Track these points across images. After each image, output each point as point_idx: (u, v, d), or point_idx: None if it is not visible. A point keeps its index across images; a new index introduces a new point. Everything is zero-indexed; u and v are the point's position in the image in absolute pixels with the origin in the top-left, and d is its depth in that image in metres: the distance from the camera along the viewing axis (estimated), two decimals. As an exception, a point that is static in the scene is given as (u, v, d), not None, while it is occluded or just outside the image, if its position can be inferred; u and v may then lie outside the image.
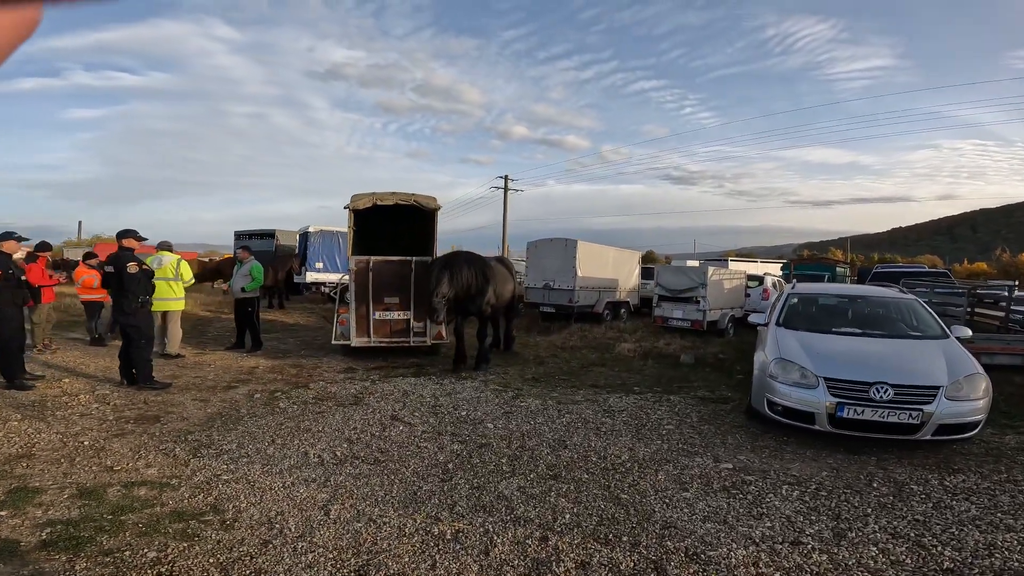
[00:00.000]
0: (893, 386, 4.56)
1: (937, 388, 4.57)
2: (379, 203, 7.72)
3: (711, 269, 11.49)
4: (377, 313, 7.84)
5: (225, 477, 3.90)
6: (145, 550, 2.91)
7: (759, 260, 23.12)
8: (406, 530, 3.22)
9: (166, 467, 4.05)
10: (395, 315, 7.90)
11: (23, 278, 6.13)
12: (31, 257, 7.92)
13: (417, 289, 7.80)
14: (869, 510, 3.55)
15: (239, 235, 18.76)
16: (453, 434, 4.91)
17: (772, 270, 17.81)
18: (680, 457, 4.41)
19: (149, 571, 2.73)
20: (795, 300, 6.84)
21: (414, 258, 7.81)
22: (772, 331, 5.91)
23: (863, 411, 4.57)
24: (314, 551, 2.98)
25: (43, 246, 8.25)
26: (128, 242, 6.20)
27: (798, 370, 4.95)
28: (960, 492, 3.88)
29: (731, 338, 11.10)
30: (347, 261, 7.89)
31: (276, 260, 14.93)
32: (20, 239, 6.13)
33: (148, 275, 6.29)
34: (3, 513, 3.21)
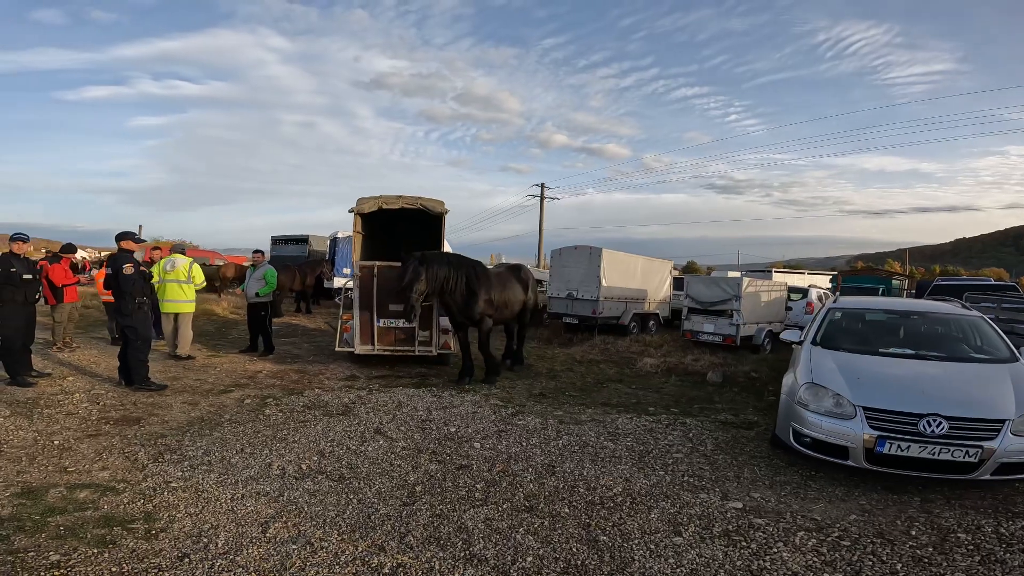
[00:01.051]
0: (948, 419, 3.85)
1: (1002, 422, 3.83)
2: (385, 207, 7.47)
3: (746, 280, 10.67)
4: (381, 320, 7.56)
5: (175, 484, 3.65)
6: (51, 553, 2.70)
7: (806, 272, 21.69)
8: (342, 558, 2.83)
9: (121, 471, 3.84)
10: (400, 323, 7.60)
11: (30, 277, 6.16)
12: (55, 258, 8.13)
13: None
14: (899, 566, 2.89)
15: (275, 240, 19.18)
16: (434, 452, 4.50)
17: (819, 282, 16.58)
18: (682, 492, 3.83)
19: (46, 571, 2.53)
20: (837, 315, 6.08)
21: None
22: (806, 350, 5.22)
23: (908, 447, 3.87)
24: (232, 570, 2.67)
25: (67, 248, 8.46)
26: (126, 244, 6.17)
27: (832, 397, 4.28)
28: (1018, 542, 3.16)
29: (767, 355, 10.22)
30: (352, 266, 7.66)
31: (304, 265, 15.06)
32: (24, 239, 6.20)
33: (145, 277, 6.23)
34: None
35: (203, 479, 3.77)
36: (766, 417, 5.94)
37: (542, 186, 27.94)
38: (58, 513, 3.12)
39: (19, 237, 6.11)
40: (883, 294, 13.50)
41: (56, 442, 4.33)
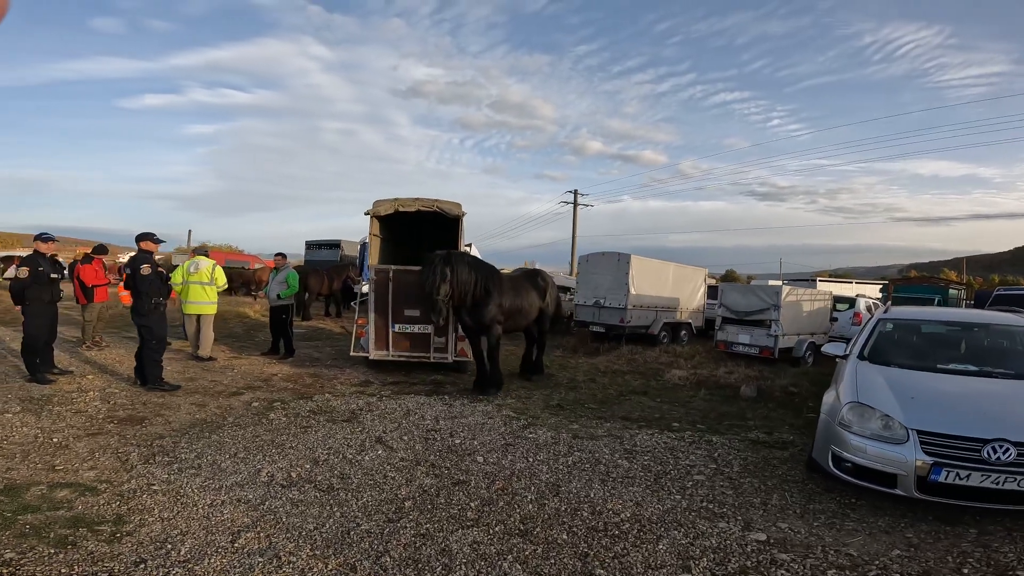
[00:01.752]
0: (1017, 445, 3.34)
1: (1080, 448, 3.27)
2: (401, 209, 7.32)
3: (786, 288, 10.00)
4: (397, 326, 7.39)
5: (156, 487, 3.52)
6: (7, 551, 2.60)
7: (854, 281, 20.45)
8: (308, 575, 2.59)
9: (108, 471, 3.75)
10: (415, 328, 7.41)
11: (56, 277, 6.29)
12: (87, 258, 8.35)
13: None
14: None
15: (309, 244, 19.54)
16: (432, 465, 4.23)
17: (868, 291, 15.53)
18: (698, 520, 3.41)
19: None
20: (888, 327, 5.51)
21: None
22: (851, 366, 4.70)
23: (969, 476, 3.36)
24: None
25: (99, 249, 8.70)
26: (146, 245, 6.22)
27: (880, 418, 3.78)
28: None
29: (809, 368, 9.51)
30: (368, 270, 7.53)
31: (331, 269, 15.17)
32: (47, 239, 6.33)
33: (162, 278, 6.25)
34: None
35: (187, 483, 3.63)
36: (803, 436, 5.40)
37: (575, 192, 27.59)
38: (30, 512, 3.02)
39: (45, 237, 6.24)
40: (939, 304, 12.47)
41: (55, 440, 4.30)
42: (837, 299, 11.96)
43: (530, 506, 3.54)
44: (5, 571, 2.38)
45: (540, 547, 3.00)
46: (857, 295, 13.26)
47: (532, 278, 7.82)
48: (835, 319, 11.39)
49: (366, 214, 7.42)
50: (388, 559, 2.80)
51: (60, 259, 7.00)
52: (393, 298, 7.30)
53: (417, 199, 7.36)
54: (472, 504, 3.53)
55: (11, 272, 5.92)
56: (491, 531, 3.16)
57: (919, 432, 3.56)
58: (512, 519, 3.34)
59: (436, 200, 7.36)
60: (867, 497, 3.76)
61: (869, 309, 11.79)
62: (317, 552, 2.84)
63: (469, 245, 12.53)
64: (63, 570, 2.44)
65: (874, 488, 3.62)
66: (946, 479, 3.38)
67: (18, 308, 6.05)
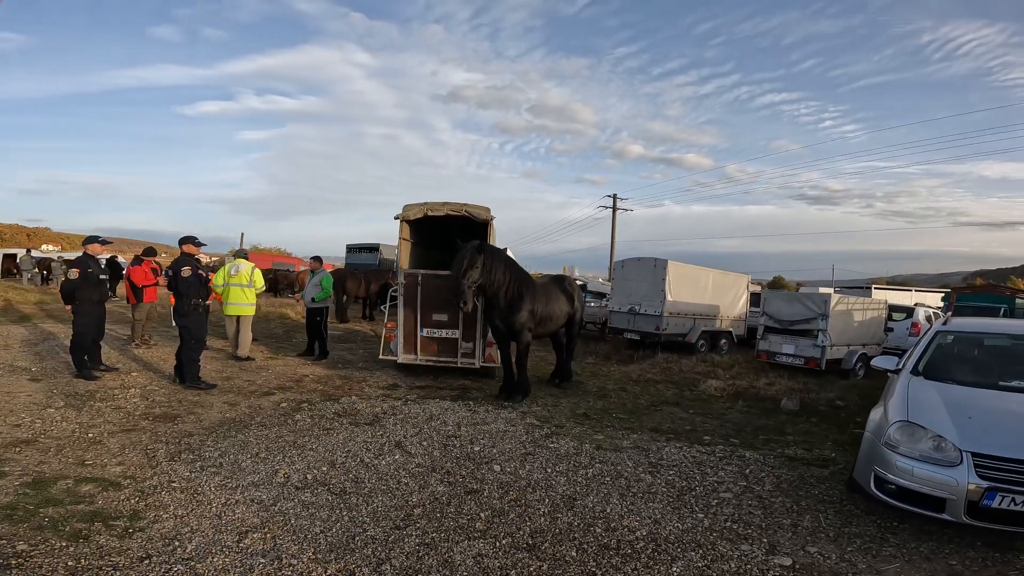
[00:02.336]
0: None
1: None
2: (430, 213, 7.35)
3: (835, 297, 9.45)
4: (425, 330, 7.40)
5: (176, 484, 3.61)
6: (21, 543, 2.71)
7: (913, 289, 19.14)
8: (305, 582, 2.56)
9: (134, 467, 3.87)
10: (443, 333, 7.40)
11: (105, 277, 6.64)
12: (136, 260, 8.80)
13: None
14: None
15: (350, 248, 20.04)
16: (448, 472, 4.17)
17: (929, 300, 14.50)
18: (720, 541, 3.20)
19: (6, 560, 2.54)
20: (947, 339, 5.12)
21: None
22: (903, 381, 4.37)
23: (1025, 501, 3.03)
24: None
25: (148, 251, 9.16)
26: (188, 248, 6.47)
27: (932, 439, 3.48)
28: None
29: (859, 381, 8.94)
30: (398, 274, 7.59)
31: (369, 272, 15.47)
32: (103, 242, 6.69)
33: (201, 280, 6.49)
34: (-56, 496, 3.16)
35: (206, 481, 3.70)
36: (846, 454, 5.04)
37: (614, 197, 27.18)
38: (52, 505, 3.14)
39: (96, 240, 6.60)
40: (1005, 315, 11.47)
41: (90, 435, 4.49)
42: (893, 308, 11.20)
43: (542, 519, 3.42)
44: (14, 562, 2.47)
45: (546, 563, 2.87)
46: (915, 304, 12.39)
47: (560, 284, 7.70)
48: (890, 329, 10.66)
49: (396, 218, 7.49)
50: (388, 567, 2.75)
51: (120, 259, 7.43)
52: (421, 302, 7.33)
53: (446, 203, 7.37)
54: (482, 514, 3.44)
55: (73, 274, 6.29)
56: (498, 544, 3.06)
57: (974, 455, 3.29)
58: (521, 532, 3.22)
59: (465, 204, 7.35)
60: (911, 520, 3.46)
61: (929, 319, 11.00)
62: (319, 556, 2.82)
63: (504, 249, 12.49)
64: (70, 563, 2.52)
65: (919, 512, 3.33)
66: (1000, 504, 3.09)
67: (68, 307, 6.41)
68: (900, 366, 4.74)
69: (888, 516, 3.58)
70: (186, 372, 6.34)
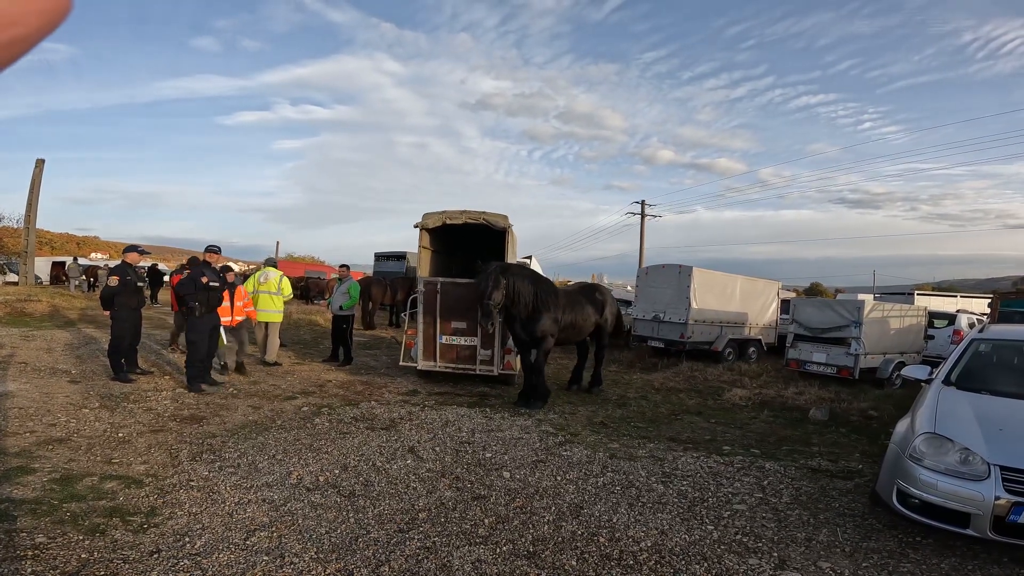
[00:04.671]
0: None
1: None
2: (449, 222, 7.44)
3: (869, 303, 9.09)
4: (444, 337, 7.48)
5: (194, 483, 3.74)
6: (40, 535, 2.84)
7: (959, 295, 18.17)
8: (304, 580, 2.62)
9: (157, 466, 4.03)
10: (462, 340, 7.47)
11: (141, 285, 6.97)
12: (180, 268, 9.20)
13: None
14: None
15: (378, 256, 20.42)
16: (457, 478, 4.19)
17: (974, 306, 13.77)
18: (727, 554, 3.11)
19: (24, 551, 2.66)
20: (983, 348, 4.89)
21: None
22: (934, 391, 4.20)
23: (1059, 518, 2.86)
24: (191, 572, 2.64)
25: (192, 261, 9.55)
26: (208, 256, 6.74)
27: (959, 452, 3.35)
28: None
29: (895, 391, 8.54)
30: (418, 281, 7.71)
31: (396, 280, 15.72)
32: (142, 252, 7.02)
33: (208, 288, 6.61)
34: (-21, 489, 3.36)
35: (223, 481, 3.82)
36: (874, 466, 4.83)
37: (642, 203, 26.87)
38: (76, 500, 3.30)
39: (134, 249, 6.95)
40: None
41: (120, 435, 4.70)
42: (933, 315, 10.68)
43: (546, 527, 3.40)
44: (30, 553, 2.60)
45: (545, 572, 2.85)
46: (958, 311, 11.78)
47: (589, 293, 7.69)
48: (931, 337, 10.17)
49: (416, 227, 7.61)
50: (387, 569, 2.78)
51: (161, 267, 7.79)
52: (441, 310, 7.41)
53: (464, 212, 7.46)
54: (486, 520, 3.44)
55: (113, 281, 6.63)
56: (498, 550, 3.06)
57: (1003, 468, 3.16)
58: (523, 539, 3.21)
59: (483, 213, 7.41)
60: (935, 535, 3.29)
61: (972, 326, 10.44)
62: (320, 555, 2.87)
63: (529, 258, 12.52)
64: (83, 555, 2.64)
65: (943, 527, 3.18)
66: (1028, 520, 2.91)
67: (107, 313, 6.75)
68: (932, 375, 4.55)
69: (910, 530, 3.42)
70: (187, 374, 6.55)
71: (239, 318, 7.52)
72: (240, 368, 7.74)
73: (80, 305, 14.89)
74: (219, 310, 6.66)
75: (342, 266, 9.85)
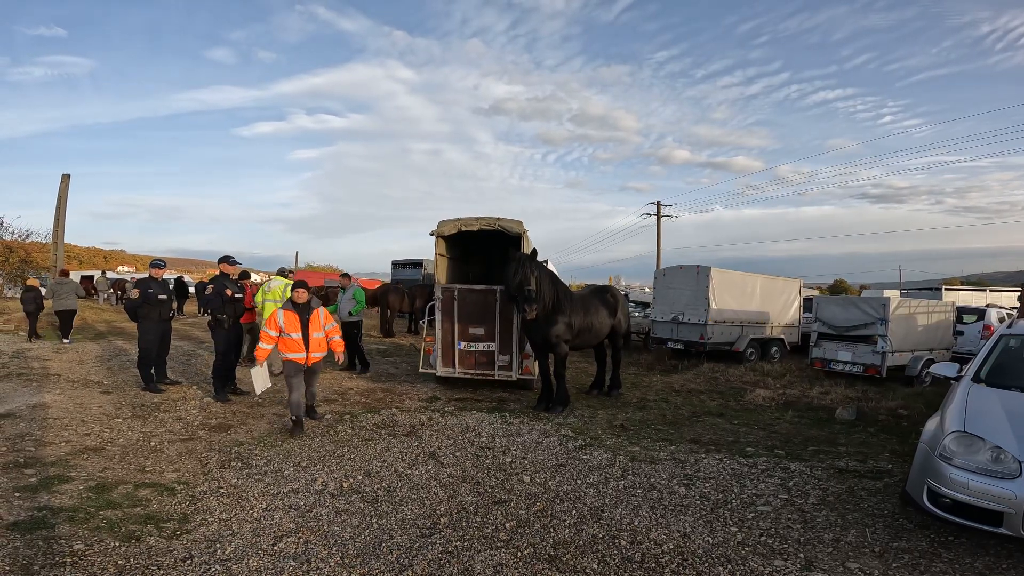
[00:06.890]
0: None
1: None
2: (464, 229, 7.50)
3: (895, 300, 8.89)
4: (462, 343, 7.53)
5: (224, 490, 3.84)
6: (79, 542, 2.94)
7: (989, 288, 17.61)
8: (331, 586, 2.68)
9: (188, 474, 4.15)
10: (480, 346, 7.50)
11: (164, 298, 7.17)
12: (210, 282, 9.46)
13: (502, 319, 7.32)
14: None
15: (395, 264, 20.64)
16: (478, 482, 4.21)
17: (1005, 301, 13.35)
18: (751, 556, 3.08)
19: (63, 558, 2.75)
20: (1013, 343, 4.76)
21: (499, 287, 7.34)
22: (963, 389, 4.12)
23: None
24: None
25: (242, 274, 9.81)
26: (223, 267, 6.92)
27: (990, 450, 3.30)
28: None
29: (925, 389, 8.33)
30: (435, 288, 7.77)
31: (413, 288, 15.86)
32: (159, 265, 7.23)
33: (222, 298, 6.72)
34: (17, 494, 3.49)
35: (251, 488, 3.91)
36: (904, 465, 4.73)
37: (658, 204, 26.66)
38: (112, 507, 3.41)
39: (157, 264, 7.15)
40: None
41: (152, 444, 4.84)
42: (961, 310, 10.40)
43: (567, 531, 3.40)
44: (69, 560, 2.70)
45: (566, 575, 2.85)
46: (987, 305, 11.44)
47: (602, 295, 7.70)
48: (960, 333, 9.90)
49: (431, 234, 7.69)
50: (410, 573, 2.82)
51: (187, 279, 8.01)
52: (458, 316, 7.46)
53: (479, 218, 7.51)
54: (507, 525, 3.46)
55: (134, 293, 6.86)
56: (519, 554, 3.07)
57: None
58: (544, 543, 3.22)
59: (498, 219, 7.46)
60: (967, 534, 3.22)
61: (1002, 321, 10.14)
62: (346, 560, 2.92)
63: (545, 261, 12.53)
64: (120, 561, 2.74)
65: (975, 527, 3.11)
66: (1063, 519, 2.83)
67: (135, 323, 6.97)
68: (962, 372, 4.46)
69: (943, 530, 3.35)
70: (214, 384, 6.71)
71: (316, 356, 5.61)
72: (311, 412, 6.01)
73: (109, 318, 15.34)
74: (293, 347, 5.41)
75: (343, 275, 10.02)
